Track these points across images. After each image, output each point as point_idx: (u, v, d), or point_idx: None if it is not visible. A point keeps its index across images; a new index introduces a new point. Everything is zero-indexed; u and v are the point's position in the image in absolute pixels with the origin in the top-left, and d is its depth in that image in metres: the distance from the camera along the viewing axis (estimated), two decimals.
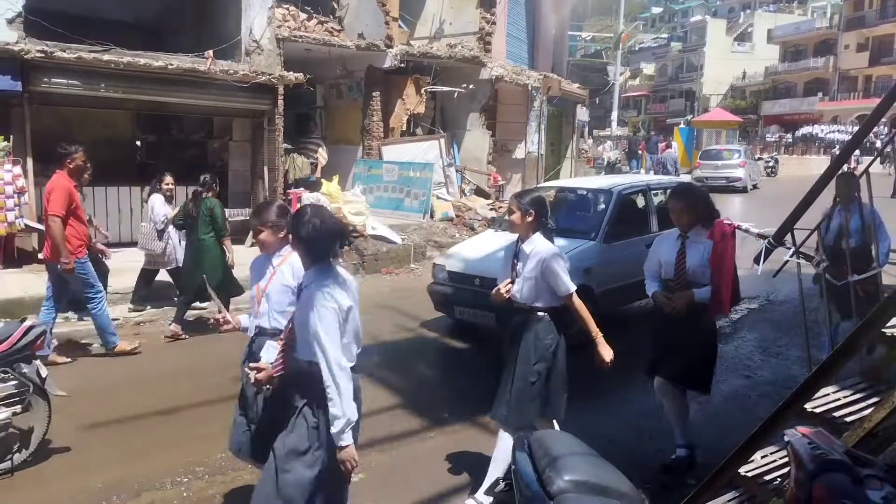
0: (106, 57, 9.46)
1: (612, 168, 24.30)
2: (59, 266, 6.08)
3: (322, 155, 13.62)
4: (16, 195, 8.71)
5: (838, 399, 3.07)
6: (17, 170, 8.80)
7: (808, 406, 2.90)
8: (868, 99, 42.75)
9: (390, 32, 13.55)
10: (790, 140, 41.61)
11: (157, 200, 7.88)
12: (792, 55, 52.68)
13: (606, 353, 3.84)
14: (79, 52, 9.28)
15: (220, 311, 3.58)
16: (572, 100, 20.10)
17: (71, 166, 6.29)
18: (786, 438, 2.21)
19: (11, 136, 8.98)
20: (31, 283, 8.21)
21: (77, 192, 6.34)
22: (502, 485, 3.85)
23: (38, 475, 4.25)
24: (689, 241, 4.26)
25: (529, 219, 3.88)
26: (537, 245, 3.87)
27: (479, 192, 15.71)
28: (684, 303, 4.17)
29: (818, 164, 29.60)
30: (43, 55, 8.99)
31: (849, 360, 2.34)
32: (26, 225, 8.97)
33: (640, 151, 27.59)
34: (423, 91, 14.66)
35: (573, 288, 3.85)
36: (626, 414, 5.40)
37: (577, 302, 3.87)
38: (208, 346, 6.98)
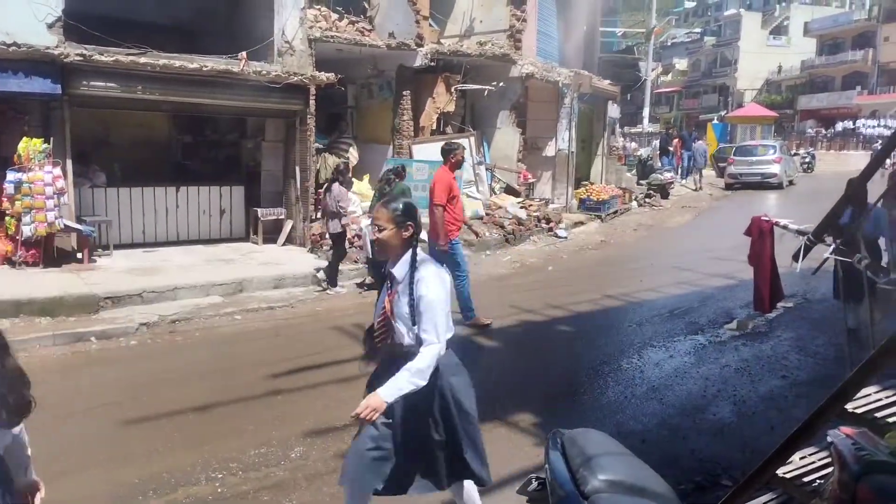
0: (142, 59, 9.62)
1: (643, 165, 23.97)
2: (436, 246, 7.20)
3: (353, 154, 13.69)
4: (56, 196, 8.93)
5: (880, 399, 2.99)
6: (57, 171, 9.01)
7: (849, 406, 2.83)
8: None
9: (420, 31, 13.55)
10: (831, 133, 40.72)
11: (341, 191, 9.40)
12: (829, 48, 51.45)
13: None
14: (116, 55, 9.45)
15: None
16: (603, 96, 19.89)
17: (452, 161, 7.32)
18: (829, 439, 2.16)
19: (52, 139, 9.19)
20: (70, 282, 8.40)
21: (455, 182, 7.32)
22: (535, 483, 3.83)
23: (76, 469, 4.34)
24: None
25: None
26: None
27: (510, 191, 15.65)
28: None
29: (857, 159, 28.90)
30: (82, 58, 9.18)
31: (892, 360, 2.28)
32: (66, 225, 9.18)
33: (670, 148, 27.10)
34: (453, 89, 14.63)
35: None
36: (660, 412, 5.33)
37: None
38: (243, 345, 7.09)
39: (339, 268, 9.44)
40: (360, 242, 9.94)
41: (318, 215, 11.86)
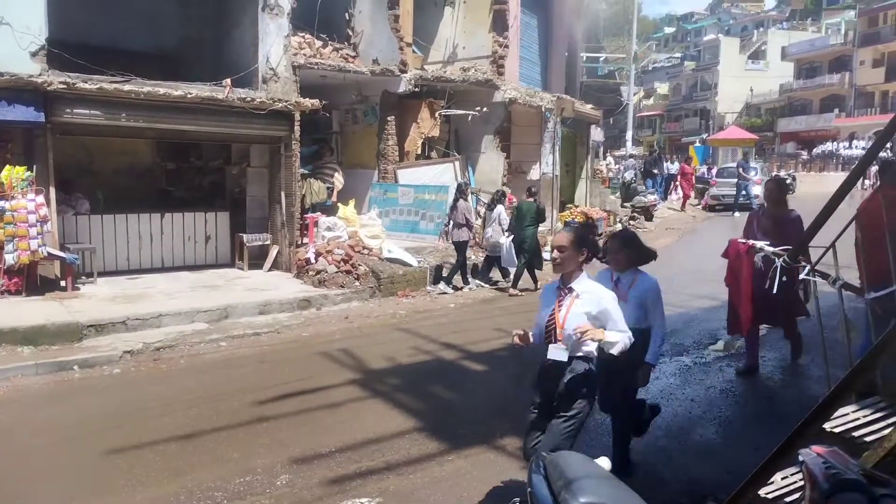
0: (126, 87, 9.65)
1: (627, 188, 24.16)
2: None
3: (338, 179, 13.74)
4: (39, 224, 8.88)
5: (858, 419, 3.04)
6: (41, 199, 8.97)
7: (828, 426, 2.88)
8: (885, 114, 42.29)
9: (404, 57, 13.70)
10: (810, 156, 41.34)
11: (502, 210, 11.63)
12: (807, 72, 52.44)
13: None
14: (100, 82, 9.47)
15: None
16: (586, 120, 20.13)
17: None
18: (800, 458, 2.20)
19: (35, 166, 9.17)
20: (53, 310, 8.33)
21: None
22: None
23: (58, 500, 4.30)
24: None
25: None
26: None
27: None
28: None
29: (836, 180, 29.16)
30: (65, 86, 9.19)
31: (864, 380, 2.33)
32: (49, 253, 9.13)
33: (655, 171, 27.29)
34: (437, 114, 14.77)
35: None
36: (646, 434, 5.34)
37: None
38: (228, 372, 7.05)
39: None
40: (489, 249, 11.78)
41: (304, 240, 11.90)
